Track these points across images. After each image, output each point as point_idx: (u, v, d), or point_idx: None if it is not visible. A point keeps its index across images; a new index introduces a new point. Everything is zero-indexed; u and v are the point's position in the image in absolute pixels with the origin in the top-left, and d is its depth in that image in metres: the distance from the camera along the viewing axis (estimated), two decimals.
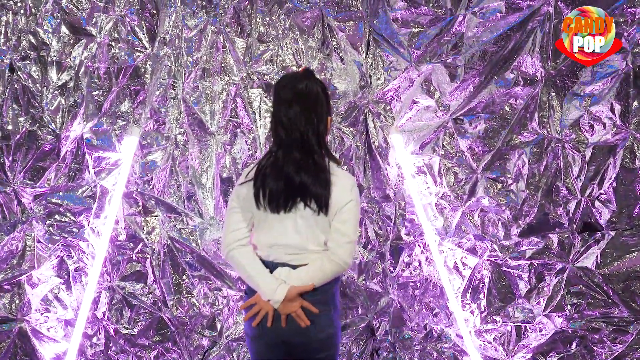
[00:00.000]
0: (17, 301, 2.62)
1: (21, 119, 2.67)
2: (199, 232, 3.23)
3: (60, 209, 2.77)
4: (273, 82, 3.34)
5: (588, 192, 2.86)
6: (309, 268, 1.83)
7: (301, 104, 1.80)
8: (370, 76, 3.43)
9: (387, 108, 3.39)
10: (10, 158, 2.63)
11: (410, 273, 3.35)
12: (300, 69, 1.95)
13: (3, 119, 2.61)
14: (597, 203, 2.84)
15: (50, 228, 2.74)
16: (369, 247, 3.42)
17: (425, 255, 3.30)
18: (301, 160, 1.79)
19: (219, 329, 3.24)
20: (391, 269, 3.39)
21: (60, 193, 2.77)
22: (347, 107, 3.42)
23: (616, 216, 2.80)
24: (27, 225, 2.68)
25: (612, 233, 2.81)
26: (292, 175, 1.77)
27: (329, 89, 3.36)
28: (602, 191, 2.83)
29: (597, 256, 2.82)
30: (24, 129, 2.66)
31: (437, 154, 3.21)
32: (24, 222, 2.67)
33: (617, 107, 2.77)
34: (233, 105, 3.35)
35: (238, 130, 3.35)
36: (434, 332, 3.25)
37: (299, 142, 1.80)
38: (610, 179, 2.80)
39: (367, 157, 3.47)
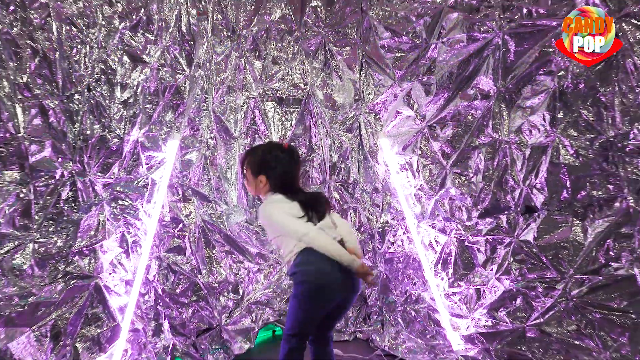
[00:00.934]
0: (93, 263, 2.84)
1: (95, 126, 2.89)
2: (225, 216, 3.53)
3: (122, 195, 3.02)
4: (284, 97, 3.69)
5: (528, 182, 2.93)
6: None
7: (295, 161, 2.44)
8: (363, 91, 3.75)
9: (377, 117, 3.69)
10: (88, 156, 2.86)
11: (395, 250, 3.61)
12: (284, 144, 2.46)
13: (83, 126, 2.84)
14: (534, 190, 2.91)
15: (115, 210, 2.98)
16: (362, 229, 3.76)
17: (406, 236, 3.56)
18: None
19: (241, 294, 3.54)
20: (379, 247, 3.68)
21: (122, 183, 3.02)
22: (345, 117, 3.77)
23: (548, 200, 2.85)
24: (100, 207, 2.90)
25: (545, 213, 2.86)
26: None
27: (330, 101, 3.78)
28: (537, 181, 2.89)
29: (534, 231, 2.89)
30: (97, 134, 2.88)
31: (415, 154, 3.46)
32: (97, 204, 2.90)
33: (547, 117, 2.84)
34: (252, 116, 3.69)
35: (256, 135, 3.69)
36: (412, 296, 3.50)
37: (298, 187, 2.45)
38: (543, 171, 2.86)
39: (361, 157, 3.78)
